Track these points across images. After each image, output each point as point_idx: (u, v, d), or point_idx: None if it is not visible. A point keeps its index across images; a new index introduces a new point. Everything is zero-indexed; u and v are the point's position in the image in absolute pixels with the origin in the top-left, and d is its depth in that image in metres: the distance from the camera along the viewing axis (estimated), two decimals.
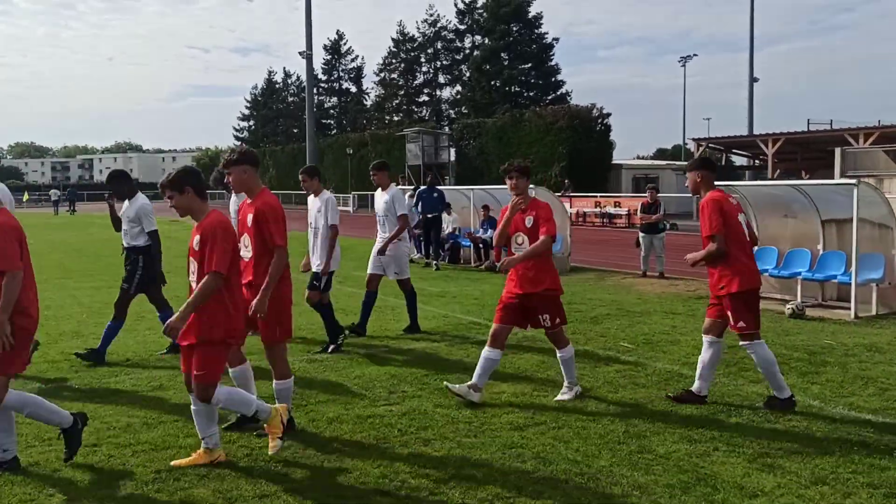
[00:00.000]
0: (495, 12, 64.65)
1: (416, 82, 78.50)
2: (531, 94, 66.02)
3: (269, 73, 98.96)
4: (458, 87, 74.46)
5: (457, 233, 18.04)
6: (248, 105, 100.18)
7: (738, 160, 48.30)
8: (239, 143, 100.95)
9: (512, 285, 6.18)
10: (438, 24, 75.47)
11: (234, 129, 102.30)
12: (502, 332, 6.23)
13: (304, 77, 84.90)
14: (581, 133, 44.18)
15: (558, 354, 6.29)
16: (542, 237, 6.05)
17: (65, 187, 78.66)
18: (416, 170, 53.31)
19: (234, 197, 8.09)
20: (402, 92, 78.30)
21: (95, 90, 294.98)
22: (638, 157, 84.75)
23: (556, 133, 44.52)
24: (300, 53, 61.01)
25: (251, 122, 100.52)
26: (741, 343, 6.03)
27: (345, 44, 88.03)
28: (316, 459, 4.92)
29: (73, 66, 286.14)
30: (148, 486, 4.48)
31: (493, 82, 66.01)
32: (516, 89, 66.49)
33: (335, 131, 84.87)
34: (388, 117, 78.78)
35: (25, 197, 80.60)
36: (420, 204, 16.49)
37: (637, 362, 7.54)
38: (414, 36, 77.25)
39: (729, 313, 5.92)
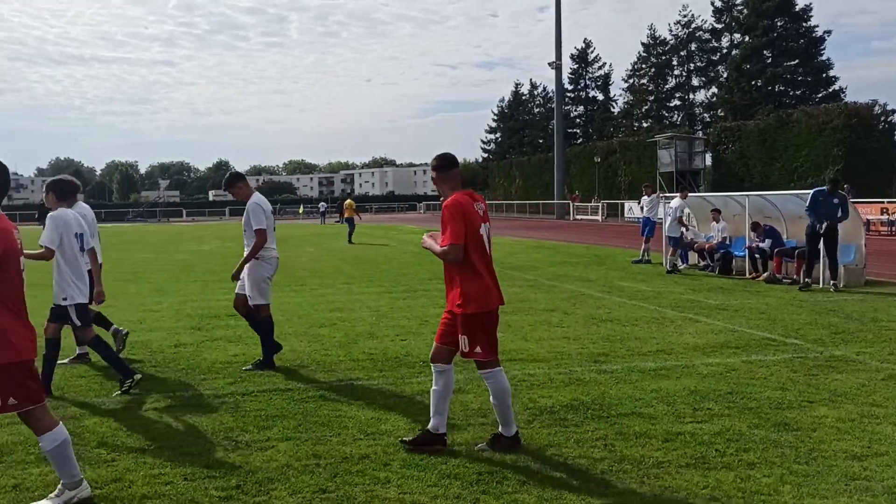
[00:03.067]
0: (757, 8, 60.70)
1: (667, 86, 76.15)
2: (798, 92, 61.15)
3: (516, 85, 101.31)
4: (714, 90, 71.01)
5: (728, 242, 17.01)
6: (495, 117, 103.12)
7: None
8: (487, 154, 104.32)
9: None
10: (693, 25, 72.59)
11: (482, 141, 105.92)
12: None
13: (550, 88, 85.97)
14: (860, 133, 40.10)
15: (40, 445, 4.39)
16: None
17: (332, 200, 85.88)
18: (668, 177, 51.53)
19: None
20: (652, 97, 76.27)
21: (355, 110, 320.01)
22: None
23: (830, 134, 40.78)
24: (549, 64, 61.73)
25: (498, 134, 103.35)
26: (479, 371, 5.28)
27: (592, 52, 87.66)
28: (634, 474, 4.73)
29: (336, 89, 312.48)
30: (473, 486, 4.55)
31: (753, 82, 62.04)
32: (780, 88, 61.94)
33: (581, 140, 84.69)
34: (636, 124, 77.16)
35: (301, 209, 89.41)
36: (816, 208, 13.65)
37: None
38: (665, 39, 75.08)
39: (464, 337, 5.11)
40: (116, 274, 18.13)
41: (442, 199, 5.33)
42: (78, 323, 6.85)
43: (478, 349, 5.10)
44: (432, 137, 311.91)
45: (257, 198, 7.82)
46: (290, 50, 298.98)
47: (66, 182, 7.09)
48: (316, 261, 21.84)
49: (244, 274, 7.84)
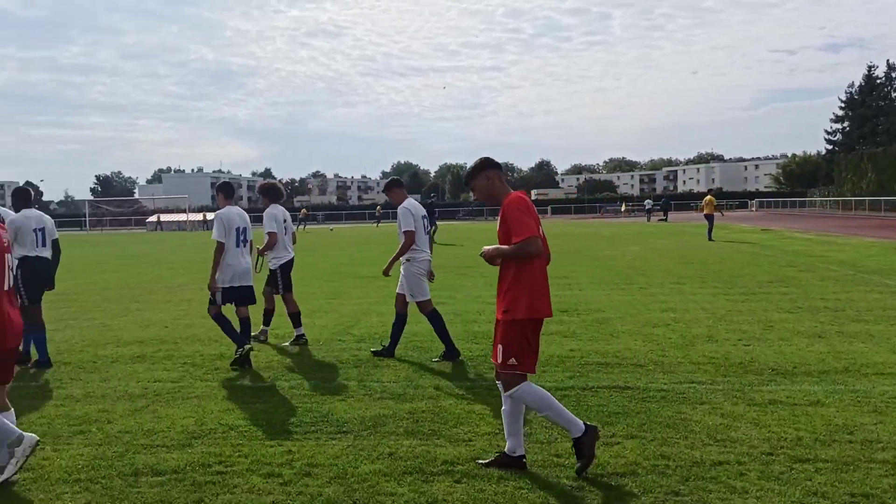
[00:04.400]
0: None
1: None
2: None
3: (869, 68, 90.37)
4: None
5: None
6: (843, 105, 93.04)
7: None
8: (831, 146, 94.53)
9: None
10: None
11: (826, 131, 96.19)
12: None
13: None
14: None
15: None
16: None
17: (657, 197, 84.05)
18: None
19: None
20: None
21: (678, 104, 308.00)
22: None
23: None
24: None
25: (845, 124, 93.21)
26: (505, 392, 4.78)
27: None
28: None
29: (659, 84, 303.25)
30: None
31: None
32: None
33: None
34: None
35: (623, 207, 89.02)
36: None
37: None
38: None
39: (500, 346, 4.68)
40: (453, 269, 19.52)
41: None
42: (219, 302, 8.11)
43: (512, 360, 4.67)
44: (764, 130, 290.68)
45: (408, 203, 8.39)
46: (612, 47, 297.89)
47: (231, 185, 8.63)
48: (641, 259, 21.46)
49: (401, 274, 8.46)
